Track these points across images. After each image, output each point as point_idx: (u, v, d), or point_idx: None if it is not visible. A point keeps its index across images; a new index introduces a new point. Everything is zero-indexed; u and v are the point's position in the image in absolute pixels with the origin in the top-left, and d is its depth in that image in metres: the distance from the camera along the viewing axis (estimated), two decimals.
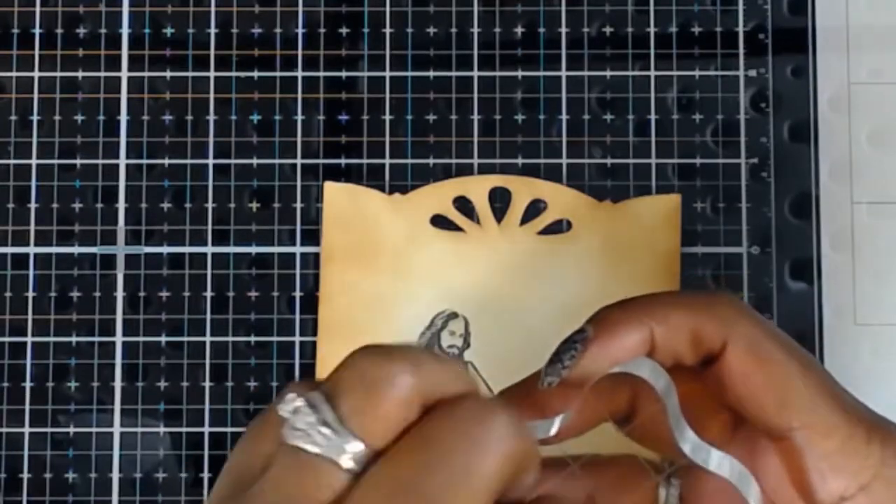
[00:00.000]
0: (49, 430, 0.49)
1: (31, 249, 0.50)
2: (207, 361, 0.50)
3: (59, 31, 0.51)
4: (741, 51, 0.51)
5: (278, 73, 0.51)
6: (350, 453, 0.24)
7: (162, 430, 0.49)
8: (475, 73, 0.51)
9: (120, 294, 0.50)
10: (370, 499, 0.24)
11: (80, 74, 0.51)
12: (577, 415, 0.31)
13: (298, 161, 0.51)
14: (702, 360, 0.31)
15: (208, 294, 0.50)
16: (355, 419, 0.24)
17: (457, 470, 0.24)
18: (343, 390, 0.25)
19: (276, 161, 0.51)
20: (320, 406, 0.25)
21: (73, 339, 0.50)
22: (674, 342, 0.31)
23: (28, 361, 0.50)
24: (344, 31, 0.51)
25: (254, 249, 0.50)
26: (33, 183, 0.51)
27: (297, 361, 0.50)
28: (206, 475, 0.49)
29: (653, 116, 0.50)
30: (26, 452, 0.49)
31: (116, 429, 0.49)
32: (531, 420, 0.31)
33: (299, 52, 0.51)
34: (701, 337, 0.31)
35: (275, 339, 0.50)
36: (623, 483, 0.33)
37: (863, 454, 0.30)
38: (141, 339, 0.50)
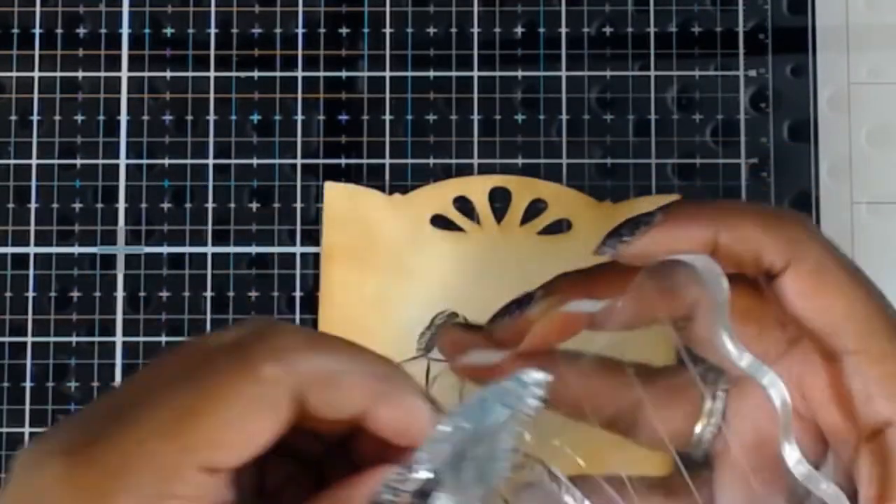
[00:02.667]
0: None
1: (31, 249, 0.50)
2: None
3: (59, 31, 0.51)
4: (741, 50, 0.51)
5: (278, 73, 0.51)
6: None
7: None
8: (475, 73, 0.51)
9: (120, 294, 0.50)
10: None
11: (80, 74, 0.51)
12: (631, 304, 0.32)
13: (298, 161, 0.51)
14: (762, 274, 0.31)
15: (208, 294, 0.50)
16: None
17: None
18: None
19: (276, 161, 0.51)
20: None
21: (73, 339, 0.50)
22: (737, 252, 0.31)
23: (28, 361, 0.50)
24: (344, 31, 0.51)
25: (254, 249, 0.50)
26: (33, 183, 0.51)
27: None
28: None
29: (653, 116, 0.50)
30: None
31: None
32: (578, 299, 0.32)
33: (299, 52, 0.51)
34: (764, 254, 0.31)
35: None
36: (670, 392, 0.33)
37: None
38: (141, 339, 0.50)
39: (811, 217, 0.48)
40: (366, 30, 0.51)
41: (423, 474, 0.27)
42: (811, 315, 0.31)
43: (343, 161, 0.51)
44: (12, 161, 0.51)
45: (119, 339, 0.50)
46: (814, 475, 0.31)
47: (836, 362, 0.31)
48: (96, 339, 0.50)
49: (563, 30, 0.51)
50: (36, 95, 0.51)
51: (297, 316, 0.50)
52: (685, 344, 0.33)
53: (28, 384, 0.50)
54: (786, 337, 0.32)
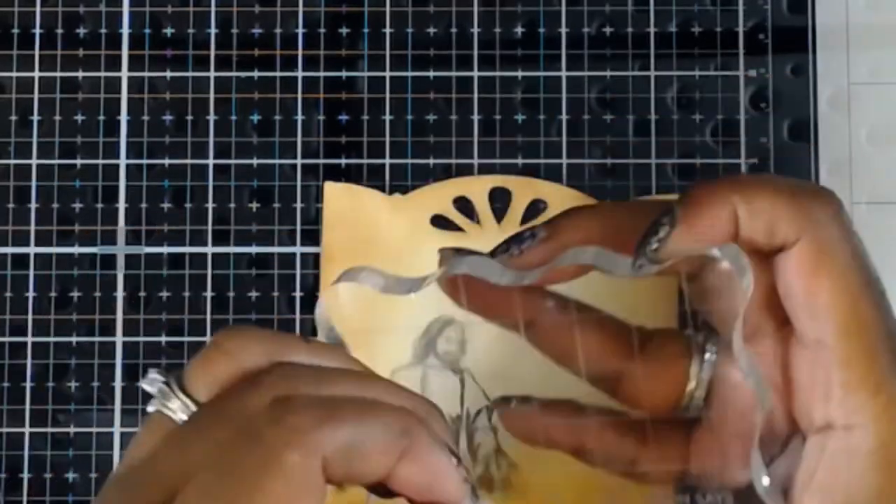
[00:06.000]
0: (49, 430, 0.49)
1: (31, 249, 0.50)
2: None
3: (59, 31, 0.51)
4: (741, 50, 0.51)
5: (278, 73, 0.51)
6: (179, 403, 0.28)
7: None
8: (475, 73, 0.51)
9: (120, 294, 0.50)
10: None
11: (80, 74, 0.51)
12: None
13: (298, 161, 0.51)
14: (774, 249, 0.31)
15: (208, 294, 0.50)
16: (187, 377, 0.28)
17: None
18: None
19: (276, 161, 0.51)
20: (170, 376, 0.28)
21: (73, 339, 0.50)
22: (755, 228, 0.30)
23: (28, 361, 0.50)
24: (344, 31, 0.51)
25: (254, 249, 0.50)
26: (33, 183, 0.51)
27: None
28: None
29: (653, 116, 0.50)
30: (26, 452, 0.49)
31: (116, 429, 0.49)
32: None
33: (299, 52, 0.51)
34: (779, 226, 0.30)
35: None
36: (658, 352, 0.33)
37: (863, 400, 0.30)
38: (141, 339, 0.50)
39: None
40: (366, 30, 0.51)
41: None
42: (800, 295, 0.30)
43: (343, 161, 0.51)
44: (12, 161, 0.51)
45: (119, 339, 0.50)
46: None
47: (809, 351, 0.31)
48: (96, 339, 0.50)
49: (563, 30, 0.51)
50: (36, 95, 0.51)
51: (297, 316, 0.50)
52: (690, 296, 0.32)
53: (28, 384, 0.50)
54: (781, 315, 0.31)
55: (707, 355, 0.33)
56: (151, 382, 0.28)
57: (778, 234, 0.30)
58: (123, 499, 0.26)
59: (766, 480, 0.30)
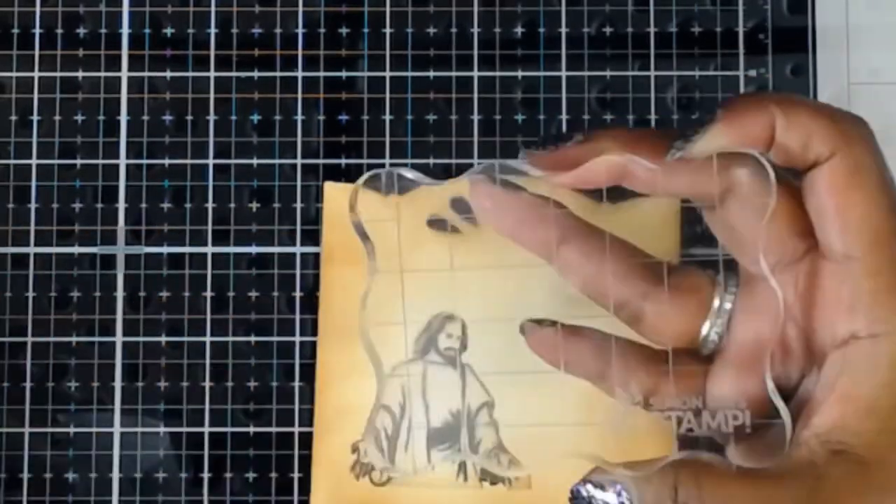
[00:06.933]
0: (49, 430, 0.49)
1: (31, 249, 0.50)
2: (207, 361, 0.50)
3: (59, 31, 0.51)
4: (741, 50, 0.51)
5: (278, 73, 0.51)
6: None
7: (162, 430, 0.49)
8: (475, 73, 0.51)
9: (120, 294, 0.50)
10: None
11: (80, 74, 0.51)
12: (679, 171, 0.33)
13: (298, 161, 0.51)
14: (808, 166, 0.32)
15: (208, 294, 0.50)
16: None
17: None
18: None
19: (276, 161, 0.51)
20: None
21: (73, 339, 0.50)
22: (791, 138, 0.31)
23: (28, 361, 0.50)
24: (344, 31, 0.51)
25: (254, 249, 0.50)
26: (33, 183, 0.51)
27: (297, 361, 0.50)
28: (206, 475, 0.49)
29: (653, 116, 0.50)
30: (26, 452, 0.49)
31: (116, 429, 0.49)
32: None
33: (299, 52, 0.51)
34: (815, 141, 0.31)
35: (275, 339, 0.50)
36: (681, 289, 0.35)
37: (891, 308, 0.30)
38: (141, 339, 0.50)
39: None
40: (366, 30, 0.51)
41: None
42: (833, 211, 0.31)
43: (343, 161, 0.51)
44: (12, 161, 0.51)
45: (119, 339, 0.50)
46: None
47: (835, 264, 0.31)
48: (96, 339, 0.50)
49: (563, 30, 0.51)
50: (36, 95, 0.51)
51: (297, 316, 0.50)
52: (709, 224, 0.34)
53: (28, 384, 0.50)
54: (803, 245, 0.32)
55: (729, 288, 0.34)
56: None
57: (813, 147, 0.31)
58: None
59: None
